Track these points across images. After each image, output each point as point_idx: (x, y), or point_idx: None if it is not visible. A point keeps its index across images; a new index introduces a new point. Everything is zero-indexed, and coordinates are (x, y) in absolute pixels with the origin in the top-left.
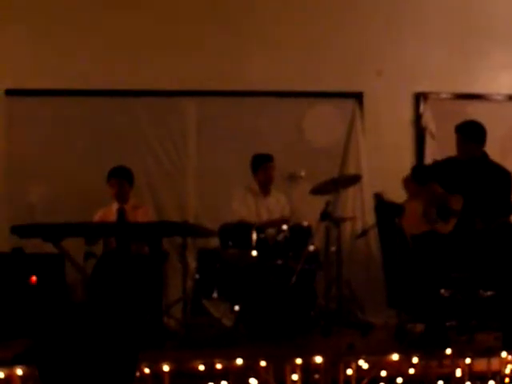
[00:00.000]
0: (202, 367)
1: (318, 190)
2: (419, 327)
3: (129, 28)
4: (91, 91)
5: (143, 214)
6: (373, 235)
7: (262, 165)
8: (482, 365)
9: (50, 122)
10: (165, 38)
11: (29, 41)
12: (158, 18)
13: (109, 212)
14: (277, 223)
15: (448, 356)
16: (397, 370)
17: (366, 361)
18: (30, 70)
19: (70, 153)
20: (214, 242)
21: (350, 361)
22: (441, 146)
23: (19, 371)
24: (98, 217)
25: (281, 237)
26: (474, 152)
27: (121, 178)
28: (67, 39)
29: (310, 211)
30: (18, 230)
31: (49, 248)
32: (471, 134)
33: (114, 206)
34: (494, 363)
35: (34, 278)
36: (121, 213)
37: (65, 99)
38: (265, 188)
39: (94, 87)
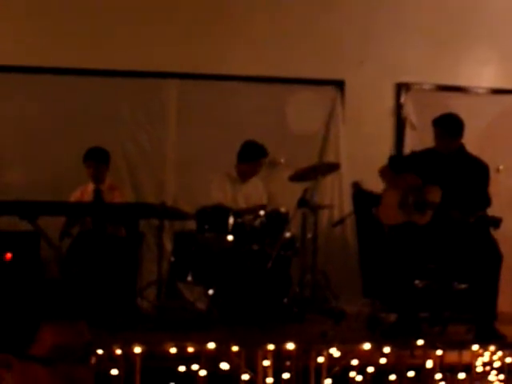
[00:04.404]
0: (173, 350)
1: (296, 177)
2: (392, 317)
3: (110, 7)
4: (69, 70)
5: (120, 195)
6: (350, 224)
7: (255, 160)
8: (453, 357)
9: (28, 100)
10: (148, 19)
11: (2, 18)
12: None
13: (85, 192)
14: (253, 210)
15: (419, 347)
16: (368, 359)
17: (337, 349)
18: (3, 47)
19: (47, 132)
20: (191, 224)
21: (322, 349)
22: (421, 137)
23: None
24: (74, 197)
25: (257, 222)
26: (452, 145)
27: (97, 160)
28: (43, 17)
29: (288, 198)
30: None
31: (24, 226)
32: (449, 127)
33: (91, 187)
34: (466, 356)
35: (8, 255)
36: (97, 193)
37: (43, 77)
38: (244, 176)
39: (72, 66)
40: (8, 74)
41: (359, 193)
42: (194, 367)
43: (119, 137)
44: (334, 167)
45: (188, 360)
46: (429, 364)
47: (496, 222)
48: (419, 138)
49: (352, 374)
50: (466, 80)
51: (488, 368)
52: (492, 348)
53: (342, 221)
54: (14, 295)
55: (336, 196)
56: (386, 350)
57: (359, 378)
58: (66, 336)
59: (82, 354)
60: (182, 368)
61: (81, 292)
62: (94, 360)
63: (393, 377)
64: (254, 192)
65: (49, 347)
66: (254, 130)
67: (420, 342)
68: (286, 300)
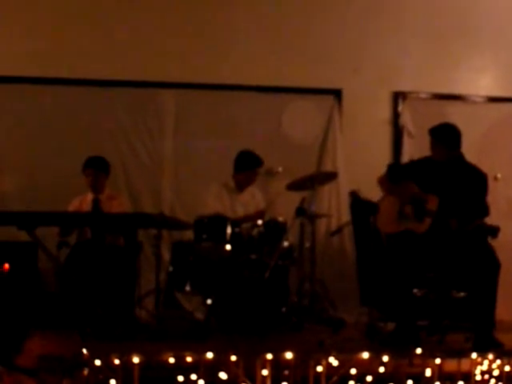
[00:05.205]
0: (172, 360)
1: (294, 186)
2: (390, 326)
3: (108, 18)
4: (69, 80)
5: (118, 204)
6: (347, 233)
7: (251, 169)
8: (452, 365)
9: (27, 110)
10: (145, 28)
11: (4, 28)
12: (138, 8)
13: (84, 202)
14: (252, 217)
15: (418, 355)
16: (367, 368)
17: (336, 358)
18: (4, 57)
19: (46, 141)
20: (189, 234)
21: (321, 358)
22: (418, 145)
23: None
24: (72, 206)
25: (255, 231)
26: (447, 155)
27: (96, 169)
28: (43, 27)
29: (285, 207)
30: None
31: (22, 236)
32: (444, 138)
33: (90, 196)
34: (464, 364)
35: (6, 266)
36: (96, 203)
37: (43, 87)
38: (241, 185)
39: (71, 76)
40: (7, 84)
41: (357, 202)
42: (193, 377)
43: (117, 146)
44: (331, 176)
45: (186, 370)
46: (428, 373)
47: (494, 231)
48: (417, 147)
49: (351, 383)
50: (463, 88)
51: (487, 376)
52: (491, 356)
53: (339, 230)
54: (7, 306)
55: (334, 205)
56: (385, 358)
57: None
58: (52, 347)
59: (70, 366)
60: (180, 378)
61: (78, 302)
62: (86, 372)
63: None
64: (252, 201)
65: (34, 358)
66: (251, 139)
67: (419, 351)
68: (284, 309)
